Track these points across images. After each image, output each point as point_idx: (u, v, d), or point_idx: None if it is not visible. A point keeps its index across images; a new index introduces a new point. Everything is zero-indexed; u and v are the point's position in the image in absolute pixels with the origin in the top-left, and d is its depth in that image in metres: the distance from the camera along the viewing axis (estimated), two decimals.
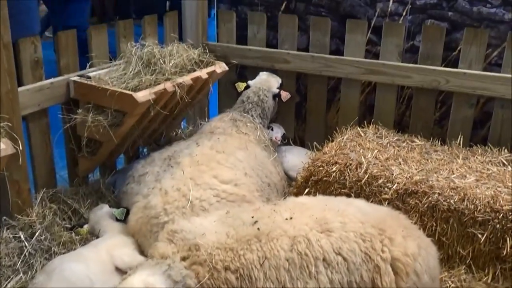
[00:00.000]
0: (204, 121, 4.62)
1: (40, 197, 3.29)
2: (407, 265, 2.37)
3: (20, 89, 3.02)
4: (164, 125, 3.92)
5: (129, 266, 2.88)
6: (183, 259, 2.36)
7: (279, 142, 4.07)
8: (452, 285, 2.85)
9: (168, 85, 3.34)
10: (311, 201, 2.72)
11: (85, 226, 3.25)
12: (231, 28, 4.42)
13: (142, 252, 2.99)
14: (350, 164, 3.29)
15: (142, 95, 3.15)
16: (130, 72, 3.38)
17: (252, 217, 2.53)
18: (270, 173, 3.49)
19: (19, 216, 3.06)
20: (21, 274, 2.86)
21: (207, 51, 3.89)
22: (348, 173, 3.26)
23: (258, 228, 2.43)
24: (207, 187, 3.01)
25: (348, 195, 3.16)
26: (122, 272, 2.87)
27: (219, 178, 3.07)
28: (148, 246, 2.94)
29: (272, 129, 4.07)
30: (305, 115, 4.49)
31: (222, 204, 2.98)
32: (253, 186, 3.18)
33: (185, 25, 4.31)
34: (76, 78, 3.33)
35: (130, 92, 3.14)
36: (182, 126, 4.59)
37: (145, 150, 4.23)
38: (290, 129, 4.43)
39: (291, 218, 2.51)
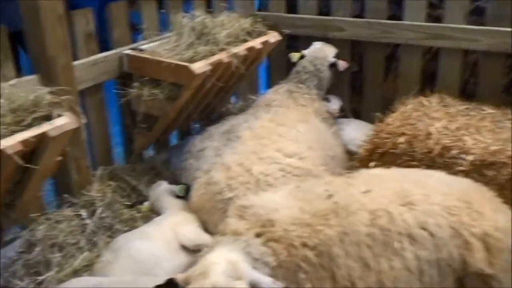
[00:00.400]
0: (254, 95, 4.48)
1: (99, 175, 3.22)
2: (499, 241, 2.19)
3: (75, 63, 2.93)
4: (217, 99, 3.79)
5: (194, 244, 2.80)
6: (257, 235, 2.24)
7: (336, 115, 3.89)
8: None
9: (223, 56, 3.20)
10: (387, 173, 2.55)
11: (146, 203, 3.18)
12: None
13: (205, 229, 2.90)
14: (419, 135, 3.09)
15: (199, 67, 3.02)
16: (183, 43, 3.25)
17: (326, 190, 2.38)
18: (333, 146, 3.34)
19: (85, 192, 3.00)
20: (87, 252, 2.81)
21: (259, 20, 3.71)
22: (417, 144, 3.07)
23: (335, 202, 2.29)
24: (271, 161, 2.88)
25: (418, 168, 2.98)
26: (187, 250, 2.80)
27: (283, 152, 2.94)
28: (212, 223, 2.86)
29: (329, 101, 3.89)
30: (360, 86, 4.28)
31: (288, 178, 2.85)
32: (318, 159, 3.03)
33: None
34: (129, 51, 3.22)
35: (186, 64, 3.01)
36: (232, 101, 4.46)
37: (196, 125, 4.12)
38: (345, 101, 4.23)
39: (368, 191, 2.35)
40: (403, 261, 2.16)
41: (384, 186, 2.39)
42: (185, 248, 2.78)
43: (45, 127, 2.24)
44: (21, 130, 2.19)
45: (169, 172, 3.52)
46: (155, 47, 3.26)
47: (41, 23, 2.61)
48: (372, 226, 2.21)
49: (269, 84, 4.49)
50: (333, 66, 3.83)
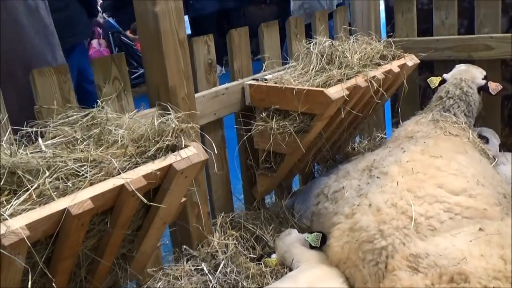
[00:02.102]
0: (380, 133, 3.96)
1: (219, 223, 2.82)
2: None
3: (196, 95, 2.62)
4: (347, 134, 3.31)
5: None
6: None
7: (496, 159, 3.17)
8: None
9: (360, 80, 2.75)
10: None
11: (273, 256, 2.70)
12: (411, 18, 3.74)
13: (351, 286, 2.34)
14: None
15: (335, 91, 2.58)
16: (312, 70, 2.84)
17: None
18: (501, 181, 2.67)
19: (207, 242, 2.61)
20: None
21: (392, 44, 3.25)
22: None
23: None
24: (433, 200, 2.29)
25: None
26: None
27: (447, 188, 2.34)
28: (360, 278, 2.30)
29: (486, 141, 3.21)
30: (509, 116, 3.61)
31: (457, 222, 2.24)
32: (491, 197, 2.39)
33: (355, 19, 3.73)
34: (252, 82, 2.87)
35: (320, 89, 2.59)
36: (355, 141, 3.96)
37: (319, 168, 3.65)
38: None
39: None
40: None
41: None
42: None
43: (171, 159, 1.88)
44: (144, 163, 1.84)
45: (296, 219, 3.03)
46: (280, 77, 2.89)
47: (162, 49, 2.34)
48: None
49: (401, 119, 3.95)
50: (483, 89, 3.23)
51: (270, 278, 2.57)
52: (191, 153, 1.94)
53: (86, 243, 1.86)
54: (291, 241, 2.71)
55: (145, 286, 2.48)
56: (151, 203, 1.85)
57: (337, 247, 2.44)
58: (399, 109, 3.49)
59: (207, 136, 2.40)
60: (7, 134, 1.92)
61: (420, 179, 2.42)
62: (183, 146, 1.95)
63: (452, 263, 1.73)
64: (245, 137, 2.84)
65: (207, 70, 2.75)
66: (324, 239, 2.60)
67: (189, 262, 2.63)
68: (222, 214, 2.88)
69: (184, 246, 2.65)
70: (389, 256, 2.21)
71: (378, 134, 3.90)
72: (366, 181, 2.61)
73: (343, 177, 2.78)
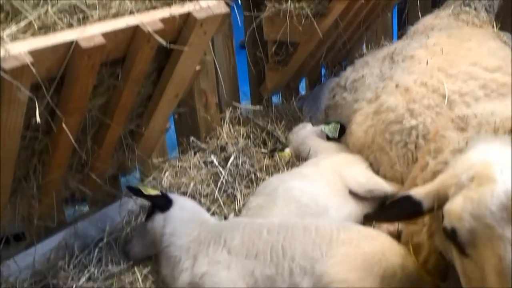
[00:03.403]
0: (389, 42, 3.75)
1: (228, 115, 2.60)
2: None
3: None
4: (359, 32, 3.09)
5: (366, 189, 2.10)
6: None
7: None
8: None
9: None
10: None
11: (287, 150, 2.52)
12: None
13: (376, 171, 2.19)
14: None
15: None
16: None
17: None
18: None
19: (222, 137, 2.42)
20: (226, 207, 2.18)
21: None
22: None
23: None
24: (467, 77, 2.11)
25: None
26: (356, 196, 2.10)
27: (481, 65, 2.16)
28: (387, 162, 2.14)
29: None
30: None
31: (493, 98, 2.07)
32: None
33: None
34: None
35: None
36: (363, 49, 3.75)
37: (326, 73, 3.44)
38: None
39: None
40: None
41: None
42: (353, 194, 2.09)
43: (189, 7, 1.63)
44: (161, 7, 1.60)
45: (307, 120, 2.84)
46: None
47: None
48: None
49: (403, 32, 3.75)
50: None
51: (285, 169, 2.40)
52: (212, 3, 1.69)
53: (94, 102, 1.63)
54: (306, 134, 2.53)
55: (151, 177, 2.28)
56: (171, 45, 1.59)
57: (360, 132, 2.26)
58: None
59: None
60: None
61: (451, 59, 2.23)
62: None
63: (503, 118, 1.56)
64: (257, 20, 2.57)
65: None
66: (342, 130, 2.43)
67: (197, 154, 2.44)
68: (230, 108, 2.66)
69: (192, 138, 2.44)
70: (419, 135, 2.05)
71: (386, 43, 3.70)
72: (389, 67, 2.41)
73: (361, 67, 2.58)
